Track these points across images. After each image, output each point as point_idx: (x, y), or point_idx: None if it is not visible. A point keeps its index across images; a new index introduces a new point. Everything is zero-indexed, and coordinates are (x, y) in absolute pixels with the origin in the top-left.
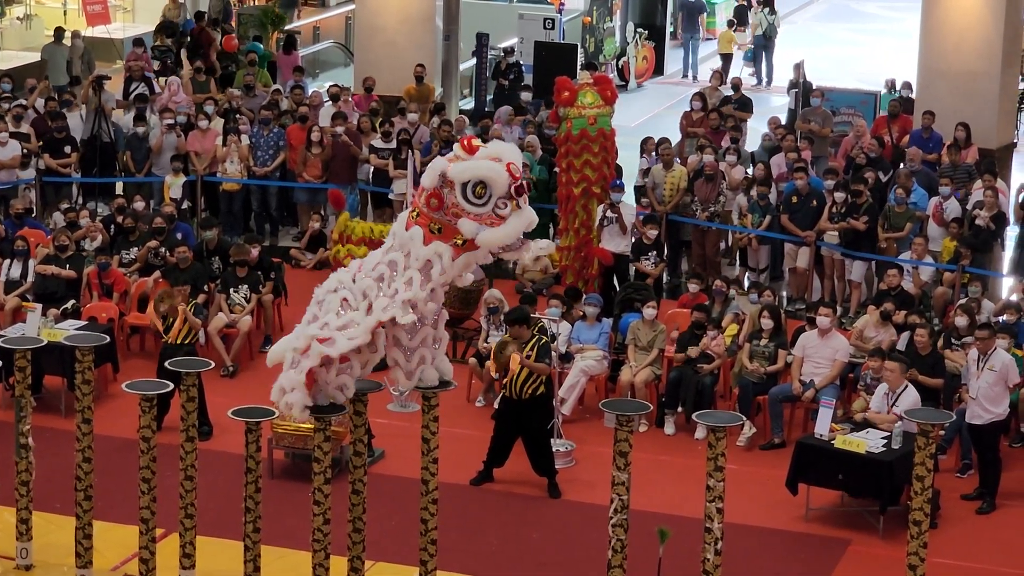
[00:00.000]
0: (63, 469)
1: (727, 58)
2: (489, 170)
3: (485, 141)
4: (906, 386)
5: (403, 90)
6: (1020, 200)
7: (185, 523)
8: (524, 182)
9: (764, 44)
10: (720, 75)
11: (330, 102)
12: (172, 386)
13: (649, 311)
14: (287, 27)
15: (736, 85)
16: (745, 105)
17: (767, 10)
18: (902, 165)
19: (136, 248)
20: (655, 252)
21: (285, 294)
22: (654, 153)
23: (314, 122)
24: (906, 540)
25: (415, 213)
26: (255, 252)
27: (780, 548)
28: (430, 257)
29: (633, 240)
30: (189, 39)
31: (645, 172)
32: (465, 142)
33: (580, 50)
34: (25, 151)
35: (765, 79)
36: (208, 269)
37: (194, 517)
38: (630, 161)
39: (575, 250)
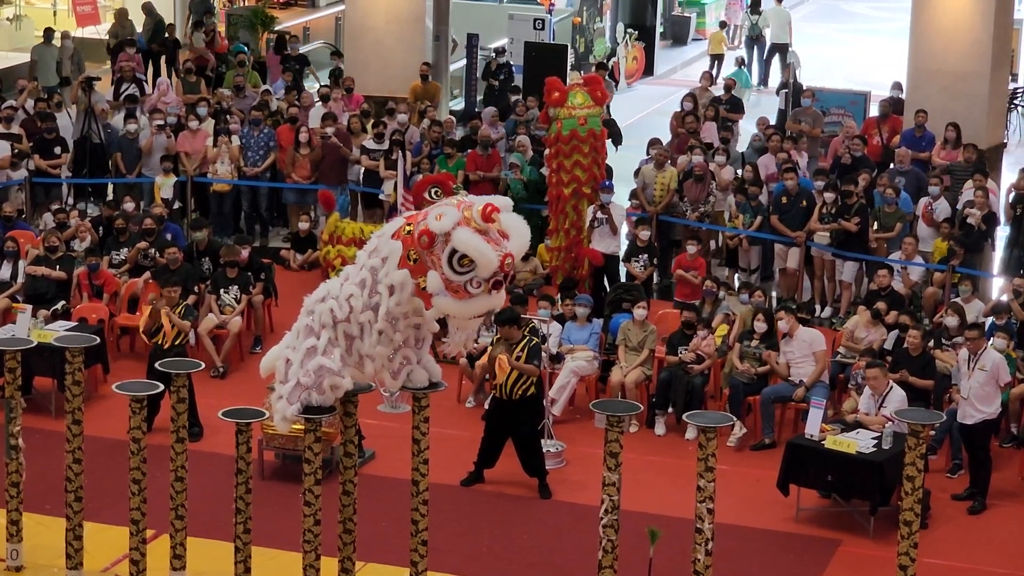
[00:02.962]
0: (53, 470)
1: (718, 59)
2: (483, 256)
3: (475, 142)
4: (891, 387)
5: (408, 88)
6: (1010, 200)
7: (175, 524)
8: (506, 275)
9: (751, 45)
10: (710, 76)
11: (320, 102)
12: (162, 387)
13: (639, 312)
14: (277, 28)
15: (728, 86)
16: (736, 106)
17: (749, 10)
18: (892, 165)
19: (126, 249)
20: (647, 255)
21: (275, 295)
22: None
23: (303, 123)
24: (897, 540)
25: (407, 229)
26: (245, 253)
27: (771, 549)
28: (394, 284)
29: (627, 241)
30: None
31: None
32: (487, 210)
33: (570, 50)
34: (16, 151)
35: (756, 80)
36: (198, 270)
37: (184, 518)
38: (623, 161)
39: (565, 251)
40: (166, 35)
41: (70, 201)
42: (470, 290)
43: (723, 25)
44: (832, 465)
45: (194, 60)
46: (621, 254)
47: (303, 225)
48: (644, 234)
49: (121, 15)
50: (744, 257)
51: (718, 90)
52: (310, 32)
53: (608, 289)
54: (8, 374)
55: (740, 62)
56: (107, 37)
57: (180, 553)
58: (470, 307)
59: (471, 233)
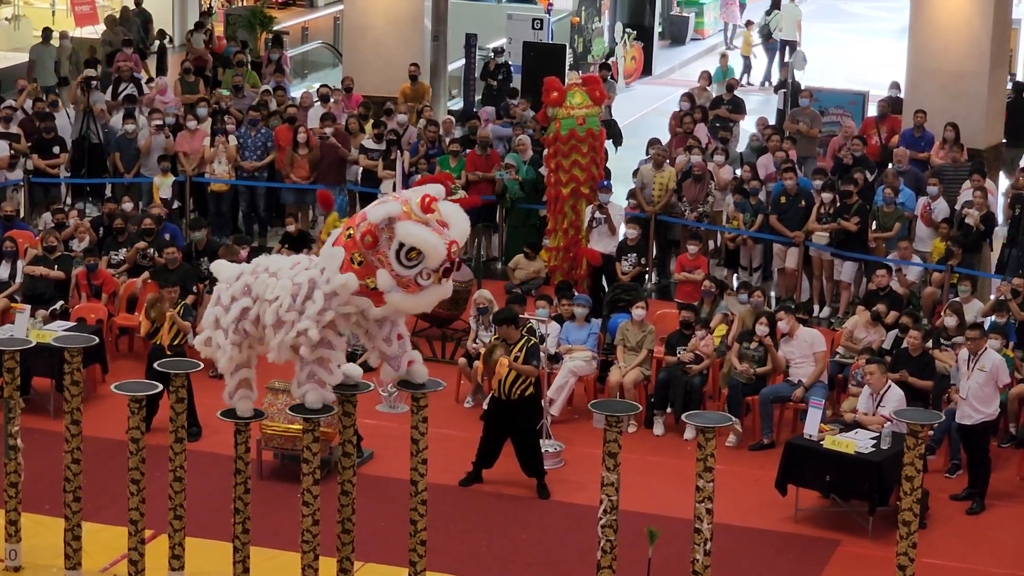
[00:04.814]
0: (52, 470)
1: (749, 60)
2: (431, 246)
3: (473, 142)
4: (889, 386)
5: (398, 90)
6: (1008, 200)
7: (174, 524)
8: (453, 262)
9: (764, 44)
10: (709, 75)
11: (319, 102)
12: (161, 387)
13: (638, 312)
14: (275, 28)
15: (731, 86)
16: (738, 107)
17: (766, 11)
18: (890, 165)
19: (125, 249)
20: (635, 254)
21: None
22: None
23: (302, 123)
24: (895, 540)
25: (348, 233)
26: (244, 253)
27: (769, 549)
28: (337, 289)
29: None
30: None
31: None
32: (425, 200)
33: (569, 50)
34: (13, 152)
35: (765, 78)
36: (197, 270)
37: (183, 518)
38: (621, 161)
39: (564, 251)
40: (157, 40)
41: (68, 201)
42: (420, 282)
43: (748, 24)
44: (831, 465)
45: (193, 60)
46: None
47: (290, 228)
48: (631, 233)
49: (111, 21)
50: (745, 256)
51: (722, 89)
52: (308, 32)
53: (606, 289)
54: (7, 374)
55: (723, 57)
56: (102, 41)
57: (179, 553)
58: (422, 299)
59: (415, 225)
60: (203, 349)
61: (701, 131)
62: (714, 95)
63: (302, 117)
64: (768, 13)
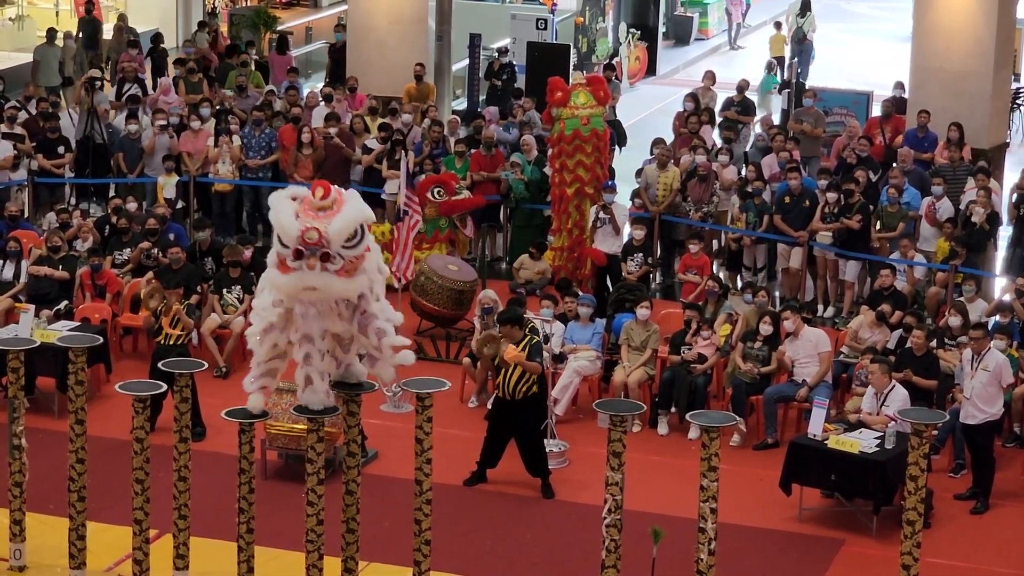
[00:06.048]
0: (56, 470)
1: (780, 61)
2: (279, 226)
3: (478, 142)
4: (893, 385)
5: (403, 90)
6: (1013, 200)
7: (178, 524)
8: (320, 253)
9: (797, 47)
10: (712, 76)
11: (323, 102)
12: (165, 387)
13: (642, 311)
14: (279, 28)
15: (741, 87)
16: (748, 108)
17: (798, 13)
18: (894, 165)
19: (129, 249)
20: (641, 254)
21: None
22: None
23: (306, 123)
24: (899, 540)
25: None
26: (248, 253)
27: (773, 548)
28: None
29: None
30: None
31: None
32: (314, 185)
33: (573, 50)
34: (17, 152)
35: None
36: (201, 270)
37: (187, 518)
38: (625, 161)
39: (568, 251)
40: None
41: (72, 201)
42: (290, 264)
43: (778, 26)
44: (835, 465)
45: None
46: None
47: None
48: (638, 234)
49: (118, 31)
50: (749, 255)
51: (728, 90)
52: (313, 32)
53: (611, 289)
54: (11, 374)
55: (771, 67)
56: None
57: (183, 553)
58: (290, 281)
59: (280, 201)
60: (252, 341)
61: (706, 131)
62: (722, 97)
63: (306, 117)
64: (801, 15)
